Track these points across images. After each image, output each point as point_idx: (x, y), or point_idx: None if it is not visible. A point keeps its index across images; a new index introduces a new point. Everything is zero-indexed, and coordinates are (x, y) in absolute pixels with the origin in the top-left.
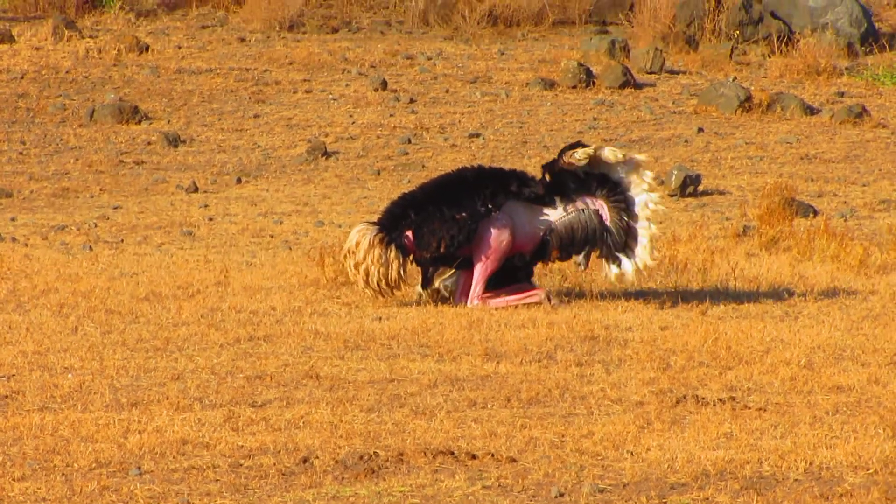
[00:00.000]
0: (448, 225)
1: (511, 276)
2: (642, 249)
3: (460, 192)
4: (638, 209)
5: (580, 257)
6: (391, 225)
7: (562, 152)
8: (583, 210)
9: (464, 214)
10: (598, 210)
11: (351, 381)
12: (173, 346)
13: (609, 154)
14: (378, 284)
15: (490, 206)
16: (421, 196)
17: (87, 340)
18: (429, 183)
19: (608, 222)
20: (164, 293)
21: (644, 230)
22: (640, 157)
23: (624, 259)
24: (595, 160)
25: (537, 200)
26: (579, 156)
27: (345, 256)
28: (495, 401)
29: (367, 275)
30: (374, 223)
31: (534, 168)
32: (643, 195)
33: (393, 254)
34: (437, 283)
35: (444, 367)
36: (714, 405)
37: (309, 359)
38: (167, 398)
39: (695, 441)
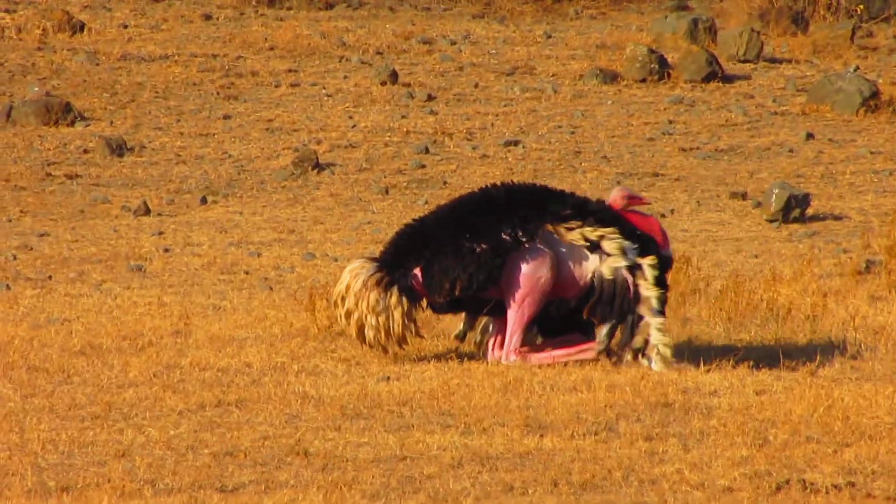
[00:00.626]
0: (464, 261)
1: (559, 325)
2: (658, 336)
3: (483, 218)
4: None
5: (604, 329)
6: (395, 261)
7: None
8: (618, 271)
9: (484, 247)
10: (626, 280)
11: (350, 458)
12: (117, 414)
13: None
14: (376, 339)
15: (521, 235)
16: (434, 223)
17: (4, 406)
18: (445, 206)
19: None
20: (106, 345)
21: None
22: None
23: (641, 356)
24: None
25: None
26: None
27: (335, 304)
28: (539, 485)
29: (362, 327)
30: (373, 259)
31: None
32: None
33: (394, 299)
34: (476, 334)
35: (471, 442)
36: (827, 492)
37: (295, 430)
38: (109, 481)
39: None
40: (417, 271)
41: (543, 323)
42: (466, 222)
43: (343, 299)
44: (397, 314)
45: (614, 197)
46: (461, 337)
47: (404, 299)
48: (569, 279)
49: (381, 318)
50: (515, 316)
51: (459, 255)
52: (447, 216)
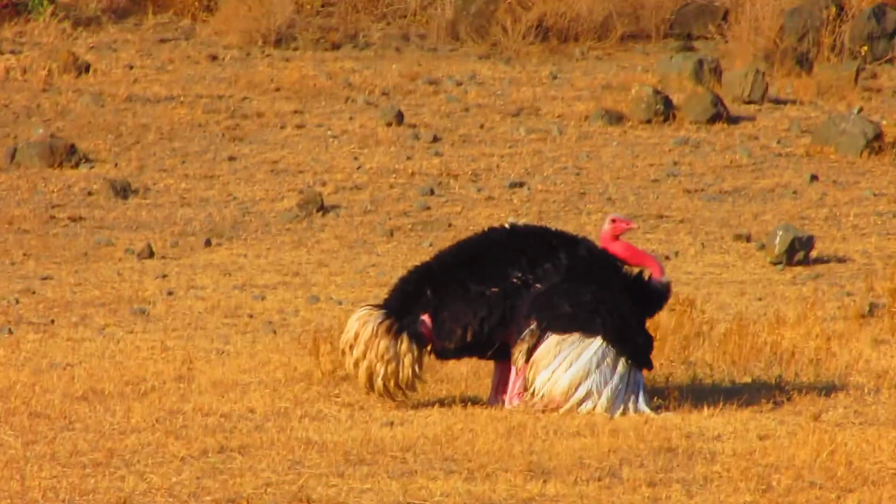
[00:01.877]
0: (475, 305)
1: None
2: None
3: (490, 261)
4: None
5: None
6: (402, 307)
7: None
8: None
9: (495, 290)
10: None
11: None
12: (119, 461)
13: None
14: (386, 386)
15: (529, 278)
16: (439, 267)
17: (5, 454)
18: (449, 249)
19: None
20: (108, 391)
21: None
22: None
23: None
24: None
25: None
26: None
27: (343, 352)
28: None
29: (371, 375)
30: (379, 306)
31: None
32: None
33: (405, 346)
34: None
35: (474, 488)
36: None
37: (298, 476)
38: None
39: None
40: (425, 317)
41: None
42: (474, 266)
43: (352, 347)
44: (407, 361)
45: (605, 231)
46: None
47: (414, 346)
48: None
49: (392, 367)
50: None
51: (469, 300)
52: (453, 260)
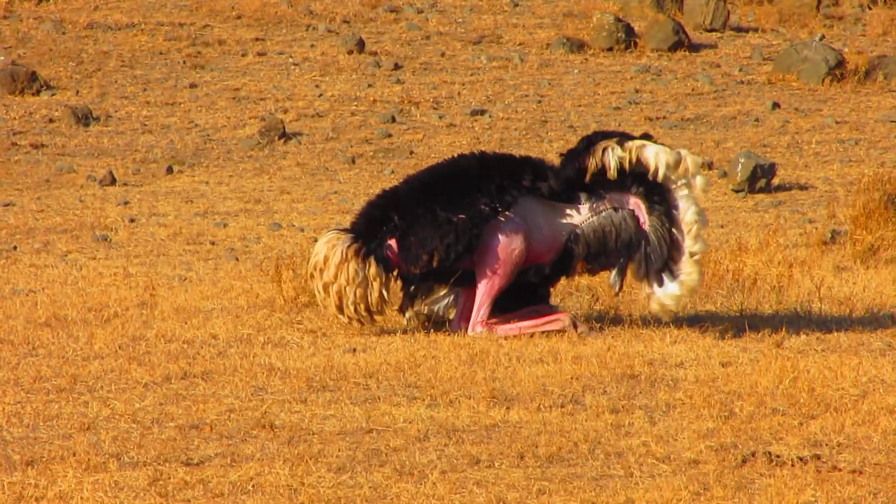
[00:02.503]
0: (442, 231)
1: (525, 296)
2: (689, 265)
3: (458, 188)
4: (682, 214)
5: (613, 273)
6: (369, 231)
7: (590, 143)
8: (615, 210)
9: (462, 216)
10: (633, 211)
11: (316, 431)
12: (82, 387)
13: (660, 161)
14: (356, 310)
15: (497, 206)
16: (407, 193)
17: None
18: (417, 175)
19: (646, 227)
20: (71, 317)
21: (691, 240)
22: (693, 159)
23: (667, 279)
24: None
25: (557, 197)
26: (612, 162)
27: (311, 276)
28: (505, 458)
29: (341, 299)
30: (346, 230)
31: (555, 155)
32: (691, 204)
33: (373, 270)
34: (422, 307)
35: (437, 414)
36: (793, 465)
37: (261, 403)
38: (74, 455)
39: None
40: (392, 242)
41: (514, 293)
42: (442, 192)
43: (320, 271)
44: (376, 285)
45: None
46: (403, 311)
47: (382, 270)
48: (543, 246)
49: (361, 290)
50: (485, 287)
51: (436, 226)
52: (420, 186)
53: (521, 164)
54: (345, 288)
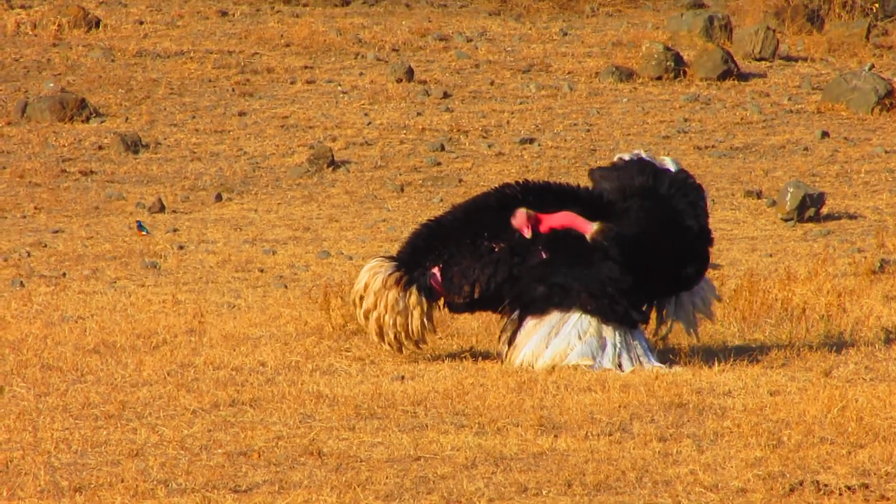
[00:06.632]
0: (483, 261)
1: None
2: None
3: (501, 217)
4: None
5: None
6: (412, 260)
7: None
8: None
9: (502, 245)
10: None
11: (364, 459)
12: (131, 413)
13: None
14: (396, 338)
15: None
16: (451, 222)
17: (18, 405)
18: (462, 205)
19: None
20: (120, 343)
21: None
22: None
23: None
24: None
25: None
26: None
27: (353, 303)
28: (552, 486)
29: (381, 327)
30: (390, 258)
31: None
32: None
33: (413, 298)
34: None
35: (485, 442)
36: (841, 494)
37: (309, 430)
38: (122, 481)
39: None
40: (436, 270)
41: None
42: (484, 222)
43: (361, 298)
44: (416, 314)
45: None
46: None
47: (423, 299)
48: None
49: (401, 318)
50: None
51: (478, 256)
52: (464, 215)
53: (566, 192)
54: (384, 316)
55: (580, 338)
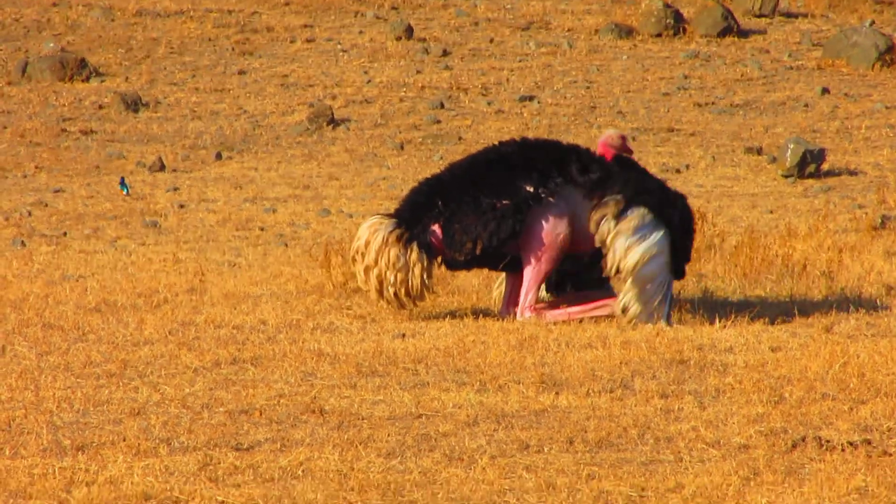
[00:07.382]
0: (485, 218)
1: (575, 281)
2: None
3: (501, 174)
4: None
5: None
6: (413, 217)
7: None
8: None
9: (505, 202)
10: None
11: (365, 416)
12: (133, 372)
13: None
14: (396, 295)
15: (540, 191)
16: (451, 179)
17: (19, 364)
18: (461, 162)
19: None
20: (121, 302)
21: None
22: None
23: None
24: None
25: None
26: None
27: (353, 259)
28: (554, 443)
29: (382, 283)
30: (390, 215)
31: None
32: None
33: (414, 255)
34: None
35: (486, 399)
36: (843, 450)
37: (311, 388)
38: (124, 440)
39: (817, 497)
40: (436, 228)
41: (559, 279)
42: (485, 179)
43: (362, 255)
44: (417, 270)
45: (612, 138)
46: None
47: (424, 256)
48: (584, 235)
49: (401, 275)
50: (532, 272)
51: (480, 213)
52: (464, 173)
53: (567, 151)
54: (385, 272)
55: (660, 254)
